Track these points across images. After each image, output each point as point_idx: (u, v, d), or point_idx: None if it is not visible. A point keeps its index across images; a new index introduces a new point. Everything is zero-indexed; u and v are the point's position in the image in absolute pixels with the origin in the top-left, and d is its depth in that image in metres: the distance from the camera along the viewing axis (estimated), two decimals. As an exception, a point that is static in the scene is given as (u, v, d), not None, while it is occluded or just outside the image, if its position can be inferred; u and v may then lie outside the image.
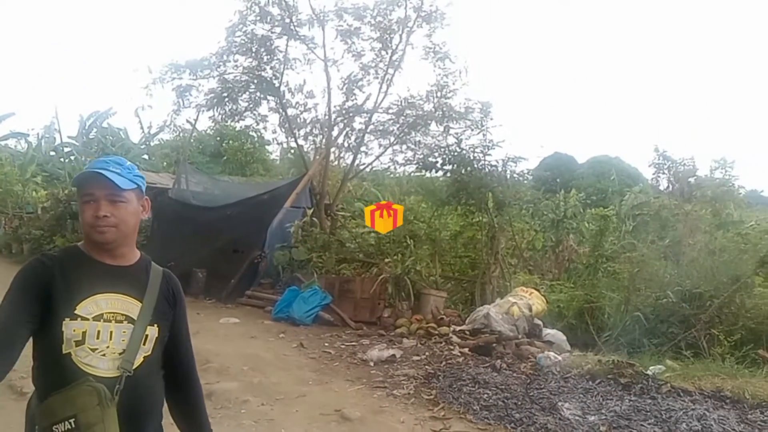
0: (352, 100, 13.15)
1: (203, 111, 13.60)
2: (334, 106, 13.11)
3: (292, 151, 16.25)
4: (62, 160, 22.83)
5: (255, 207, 11.52)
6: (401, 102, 13.00)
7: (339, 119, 13.32)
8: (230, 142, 21.77)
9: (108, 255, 1.83)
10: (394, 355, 7.16)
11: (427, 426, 5.11)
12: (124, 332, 1.77)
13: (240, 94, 13.34)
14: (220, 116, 14.13)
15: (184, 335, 2.02)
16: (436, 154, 11.85)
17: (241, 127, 19.12)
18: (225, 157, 21.69)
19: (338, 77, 13.17)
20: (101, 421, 1.64)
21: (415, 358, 7.21)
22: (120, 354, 1.75)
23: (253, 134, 21.54)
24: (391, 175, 16.76)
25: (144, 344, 1.79)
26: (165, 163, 20.70)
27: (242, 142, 21.74)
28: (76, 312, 1.72)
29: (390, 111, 13.27)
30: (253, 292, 10.48)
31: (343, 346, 7.81)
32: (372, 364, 6.97)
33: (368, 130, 13.52)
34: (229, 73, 13.12)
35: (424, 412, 5.44)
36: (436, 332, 8.23)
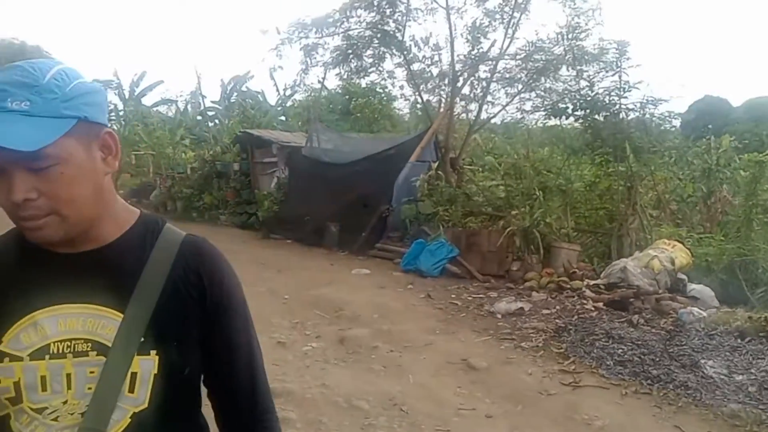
0: (477, 48, 12.76)
1: (330, 69, 13.92)
2: (458, 56, 12.81)
3: (419, 105, 16.21)
4: (208, 123, 24.65)
5: (382, 162, 11.70)
6: (529, 47, 12.39)
7: (463, 69, 13.01)
8: (358, 99, 22.18)
9: None
10: (522, 308, 7.05)
11: (556, 379, 5.01)
12: (91, 373, 0.99)
13: (364, 50, 13.45)
14: (345, 73, 14.38)
15: (240, 352, 1.15)
16: (567, 100, 11.23)
17: (367, 83, 19.35)
18: (354, 115, 22.15)
19: (462, 25, 12.83)
20: None
21: (545, 311, 7.04)
22: (83, 414, 0.99)
23: (380, 90, 21.74)
24: (523, 127, 16.19)
25: (132, 391, 1.00)
26: (299, 123, 21.55)
27: (369, 99, 22.05)
28: (1, 348, 0.99)
29: (517, 57, 12.71)
30: (383, 245, 10.74)
31: (470, 298, 7.81)
32: (499, 316, 6.91)
33: (494, 79, 13.08)
34: (353, 29, 13.24)
35: (553, 365, 5.33)
36: (568, 286, 7.96)
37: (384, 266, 9.87)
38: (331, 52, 13.46)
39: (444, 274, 9.07)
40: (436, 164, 11.55)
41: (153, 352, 1.01)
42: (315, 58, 13.61)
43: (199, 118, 26.03)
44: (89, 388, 0.99)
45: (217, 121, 24.91)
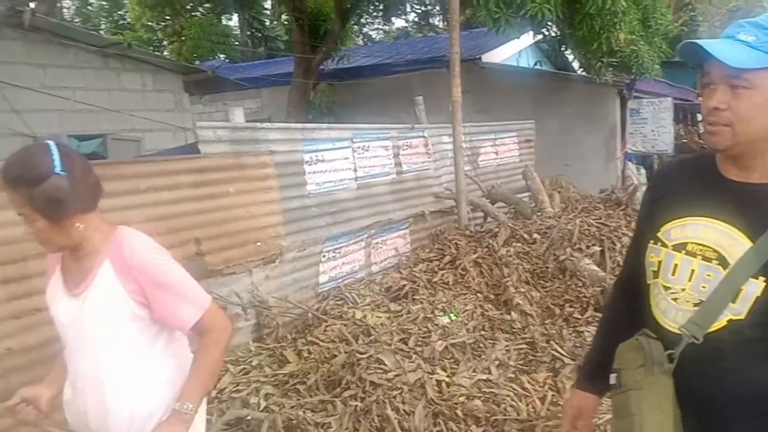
0: None
1: None
2: None
3: None
4: None
5: None
6: None
7: None
8: None
9: (732, 164, 1.30)
10: None
11: None
12: (708, 276, 1.25)
13: None
14: None
15: None
16: None
17: None
18: None
19: None
20: (640, 388, 1.26)
21: None
22: (694, 306, 1.26)
23: None
24: None
25: (734, 302, 1.22)
26: None
27: None
28: (658, 234, 1.36)
29: None
30: None
31: None
32: None
33: None
34: None
35: None
36: None
37: None
38: None
39: None
40: None
41: (761, 279, 1.20)
42: None
43: None
44: (703, 287, 1.26)
45: None
